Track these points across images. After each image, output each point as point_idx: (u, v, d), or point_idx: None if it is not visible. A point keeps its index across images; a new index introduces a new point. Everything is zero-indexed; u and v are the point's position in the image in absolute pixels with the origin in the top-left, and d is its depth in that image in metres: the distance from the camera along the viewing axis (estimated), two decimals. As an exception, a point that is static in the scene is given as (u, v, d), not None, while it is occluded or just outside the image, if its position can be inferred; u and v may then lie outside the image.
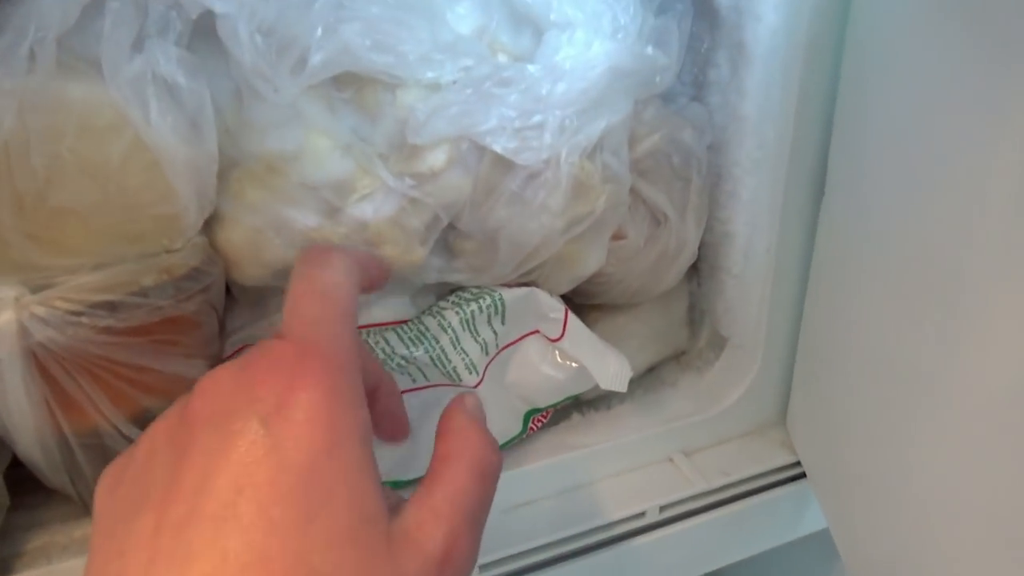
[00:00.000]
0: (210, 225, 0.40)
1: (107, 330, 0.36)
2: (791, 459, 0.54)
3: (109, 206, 0.35)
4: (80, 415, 0.39)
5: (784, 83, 0.45)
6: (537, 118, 0.38)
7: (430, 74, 0.36)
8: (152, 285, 0.37)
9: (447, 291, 0.49)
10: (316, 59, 0.35)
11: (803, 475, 0.54)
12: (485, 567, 0.46)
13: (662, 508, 0.50)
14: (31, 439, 0.39)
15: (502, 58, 0.41)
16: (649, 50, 0.40)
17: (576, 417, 0.53)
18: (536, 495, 0.49)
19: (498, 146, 0.39)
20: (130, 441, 0.41)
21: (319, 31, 0.34)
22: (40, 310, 0.35)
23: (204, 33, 0.37)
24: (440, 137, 0.38)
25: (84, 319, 0.36)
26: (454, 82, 0.37)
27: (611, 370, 0.47)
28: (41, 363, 0.36)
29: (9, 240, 0.34)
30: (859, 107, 0.44)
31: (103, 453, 0.41)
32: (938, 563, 0.41)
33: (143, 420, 0.41)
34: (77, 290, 0.36)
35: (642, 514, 0.49)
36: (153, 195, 0.36)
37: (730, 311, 0.53)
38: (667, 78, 0.42)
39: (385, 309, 0.47)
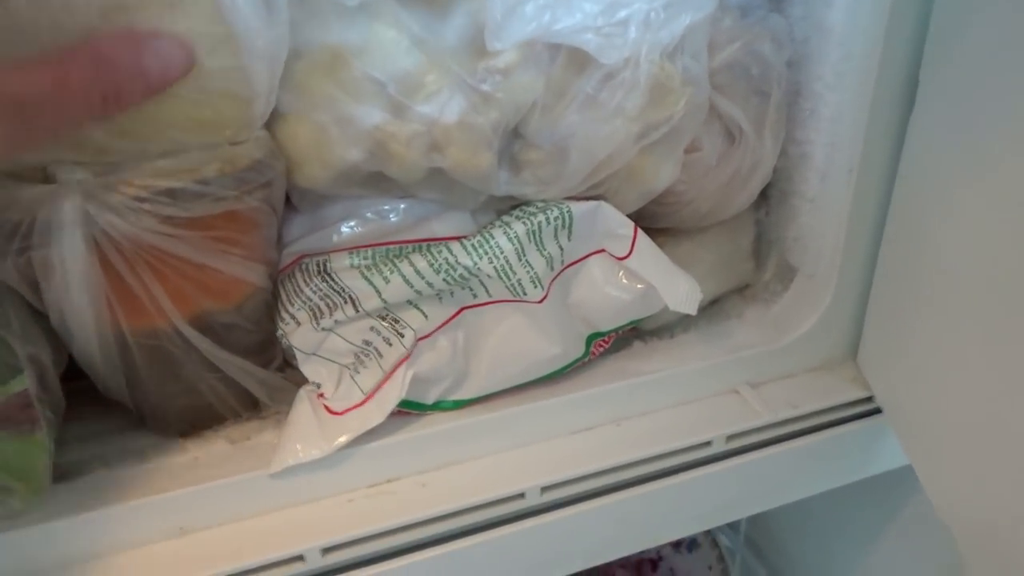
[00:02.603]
0: (273, 122, 0.39)
1: (169, 220, 0.35)
2: (862, 394, 0.51)
3: (184, 88, 0.33)
4: (140, 313, 0.38)
5: (877, -12, 0.42)
6: (622, 14, 0.36)
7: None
8: (215, 175, 0.36)
9: (507, 208, 0.47)
10: None
11: (875, 411, 0.52)
12: (547, 489, 0.45)
13: (729, 438, 0.48)
14: (90, 337, 0.38)
15: (580, -52, 0.39)
16: (741, -64, 0.37)
17: (638, 345, 0.51)
18: (598, 420, 0.47)
19: (580, 42, 0.36)
20: (187, 343, 0.40)
21: None
22: (102, 193, 0.34)
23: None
24: (522, 40, 0.36)
25: (146, 205, 0.34)
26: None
27: (681, 291, 0.45)
28: (103, 253, 0.35)
29: (73, 120, 0.33)
30: (961, 10, 0.41)
31: (161, 355, 0.40)
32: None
33: (202, 322, 0.40)
34: (140, 175, 0.34)
35: (708, 443, 0.48)
36: (226, 74, 0.34)
37: (802, 239, 0.51)
38: (758, -31, 0.39)
39: (445, 224, 0.46)
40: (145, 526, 0.40)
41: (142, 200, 0.34)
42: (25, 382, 0.38)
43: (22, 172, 0.34)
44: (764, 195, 0.52)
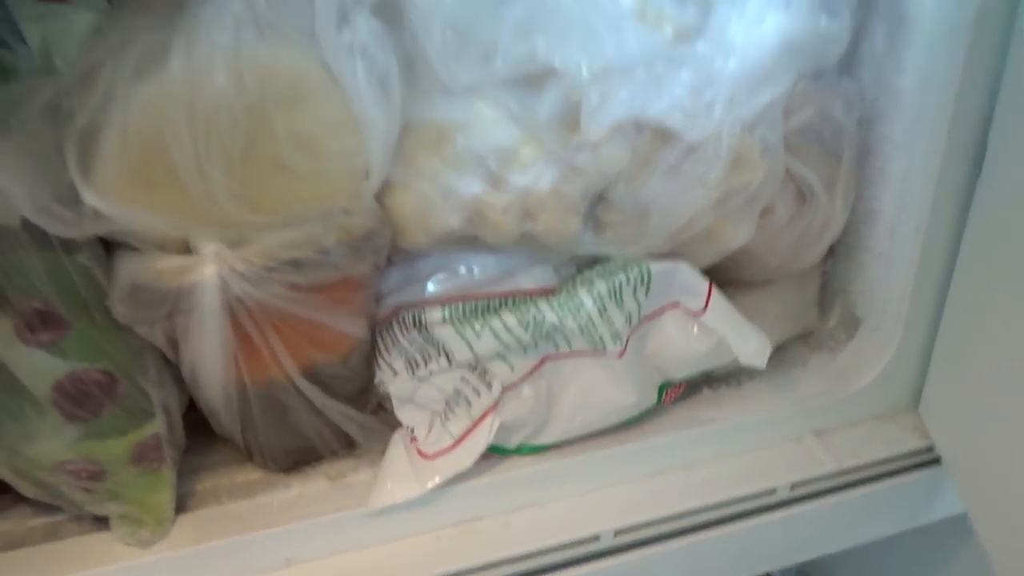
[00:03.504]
0: (381, 191, 0.42)
1: (293, 286, 0.39)
2: (923, 444, 0.53)
3: (308, 167, 0.37)
4: (260, 366, 0.41)
5: (948, 57, 0.44)
6: (708, 96, 0.39)
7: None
8: (334, 245, 0.39)
9: (586, 260, 0.50)
10: (500, 62, 0.36)
11: (935, 461, 0.53)
12: (621, 532, 0.47)
13: (793, 486, 0.50)
14: (216, 387, 0.42)
15: (667, 29, 0.41)
16: (823, 21, 0.40)
17: (706, 392, 0.53)
18: (669, 466, 0.50)
19: (668, 122, 0.39)
20: (299, 392, 0.44)
21: (509, 37, 0.35)
22: (238, 265, 0.37)
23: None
24: (615, 122, 0.39)
25: (274, 275, 0.38)
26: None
27: (752, 345, 0.47)
28: (235, 316, 0.39)
29: (215, 197, 0.37)
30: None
31: (274, 403, 0.44)
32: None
33: (311, 373, 0.43)
34: (269, 247, 0.38)
35: (773, 491, 0.50)
36: (347, 154, 0.38)
37: (868, 292, 0.53)
38: (838, 49, 0.42)
39: (529, 277, 0.49)
40: (257, 557, 0.44)
41: (271, 270, 0.38)
42: (158, 425, 0.42)
43: (167, 244, 0.38)
44: (831, 248, 0.54)
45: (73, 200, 0.35)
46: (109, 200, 0.35)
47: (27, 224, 0.35)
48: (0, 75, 0.37)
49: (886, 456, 0.52)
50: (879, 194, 0.50)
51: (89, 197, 0.34)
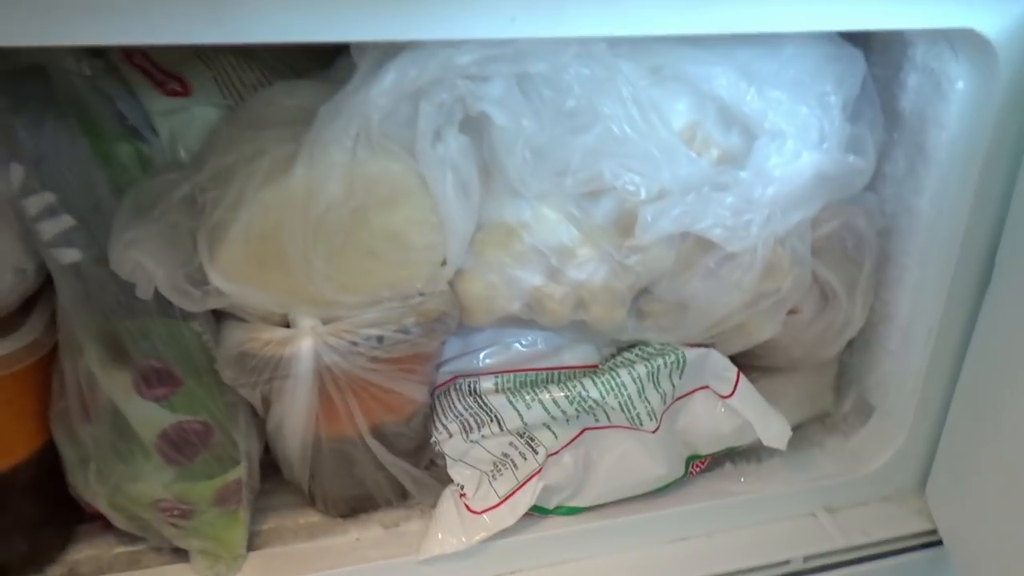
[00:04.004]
0: (453, 278, 0.48)
1: (374, 359, 0.44)
2: (927, 527, 0.57)
3: (394, 256, 0.43)
4: (337, 424, 0.47)
5: (961, 185, 0.49)
6: (747, 216, 0.44)
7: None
8: (412, 324, 0.45)
9: (626, 341, 0.55)
10: (570, 181, 0.42)
11: (937, 543, 0.57)
12: (646, 593, 0.52)
13: (806, 559, 0.54)
14: (296, 440, 0.47)
15: (713, 151, 0.47)
16: (851, 158, 0.45)
17: (729, 466, 0.58)
18: (692, 533, 0.55)
19: (711, 235, 0.45)
20: (366, 448, 0.49)
21: (579, 160, 0.41)
22: (331, 339, 0.43)
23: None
24: (665, 235, 0.44)
25: (360, 348, 0.44)
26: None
27: (774, 429, 0.52)
28: (322, 382, 0.44)
29: (314, 280, 0.42)
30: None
31: (343, 456, 0.49)
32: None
33: (378, 431, 0.49)
34: (357, 324, 0.44)
35: (787, 562, 0.54)
36: (429, 248, 0.43)
37: (882, 383, 0.57)
38: (863, 181, 0.47)
39: (574, 354, 0.54)
40: (319, 596, 0.49)
41: (356, 344, 0.43)
42: (241, 471, 0.48)
43: (270, 317, 0.44)
44: (849, 341, 0.59)
45: (199, 280, 0.41)
46: (230, 281, 0.41)
47: (155, 295, 0.41)
48: (140, 165, 0.44)
49: (892, 536, 0.56)
50: (895, 298, 0.55)
51: (215, 279, 0.40)
